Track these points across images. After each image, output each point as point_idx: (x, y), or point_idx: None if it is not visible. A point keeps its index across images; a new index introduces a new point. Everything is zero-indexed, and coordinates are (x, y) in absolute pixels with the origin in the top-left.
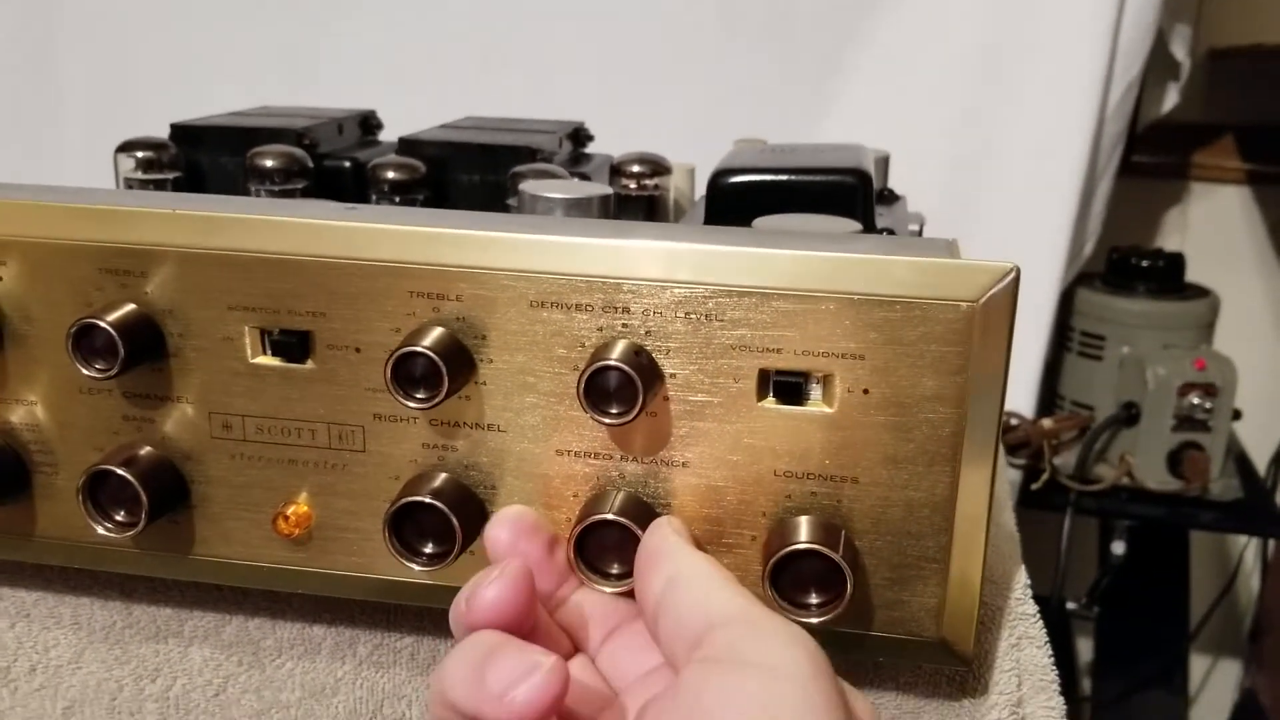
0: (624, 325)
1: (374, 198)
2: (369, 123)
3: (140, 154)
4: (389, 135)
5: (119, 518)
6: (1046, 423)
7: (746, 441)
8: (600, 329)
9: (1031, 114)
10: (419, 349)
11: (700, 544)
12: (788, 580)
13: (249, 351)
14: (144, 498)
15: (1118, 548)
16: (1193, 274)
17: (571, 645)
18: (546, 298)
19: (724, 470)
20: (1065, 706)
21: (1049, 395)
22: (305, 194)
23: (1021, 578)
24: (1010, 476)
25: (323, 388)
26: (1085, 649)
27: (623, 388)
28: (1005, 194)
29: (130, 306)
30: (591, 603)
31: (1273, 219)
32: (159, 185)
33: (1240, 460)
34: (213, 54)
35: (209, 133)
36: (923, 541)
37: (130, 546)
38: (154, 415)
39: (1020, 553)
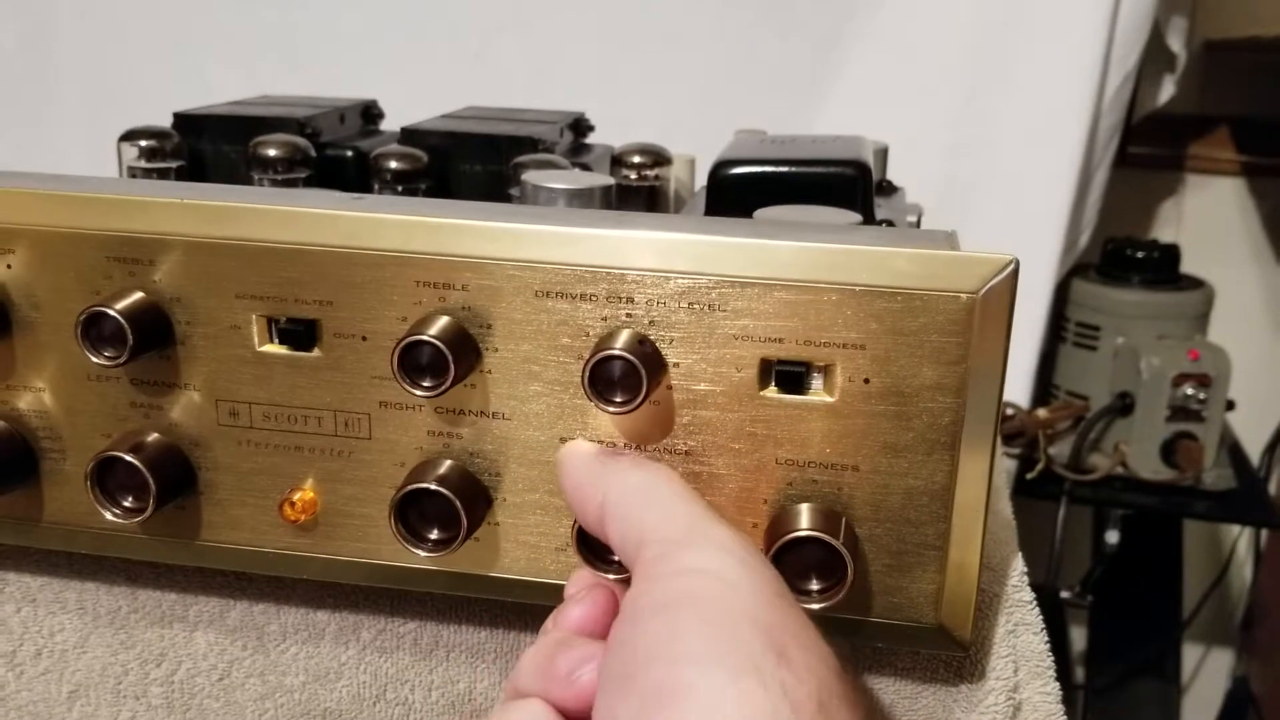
0: (628, 315)
1: (376, 187)
2: (370, 112)
3: (144, 143)
4: (390, 124)
5: (126, 504)
6: (1042, 412)
7: (748, 430)
8: (604, 319)
9: (1028, 105)
10: (425, 337)
11: None
12: (789, 566)
13: (256, 340)
14: (151, 484)
15: (1111, 537)
16: (1187, 265)
17: None
18: (551, 287)
19: (726, 458)
20: (1061, 692)
21: (1044, 385)
22: (308, 183)
23: (1018, 565)
24: (1005, 466)
25: (329, 375)
26: (1079, 637)
27: (627, 377)
28: (1001, 185)
29: (138, 295)
30: None
31: (1267, 210)
32: (162, 174)
33: (1234, 450)
34: (212, 42)
35: (211, 122)
36: (922, 529)
37: (137, 532)
38: (161, 402)
39: (1017, 540)
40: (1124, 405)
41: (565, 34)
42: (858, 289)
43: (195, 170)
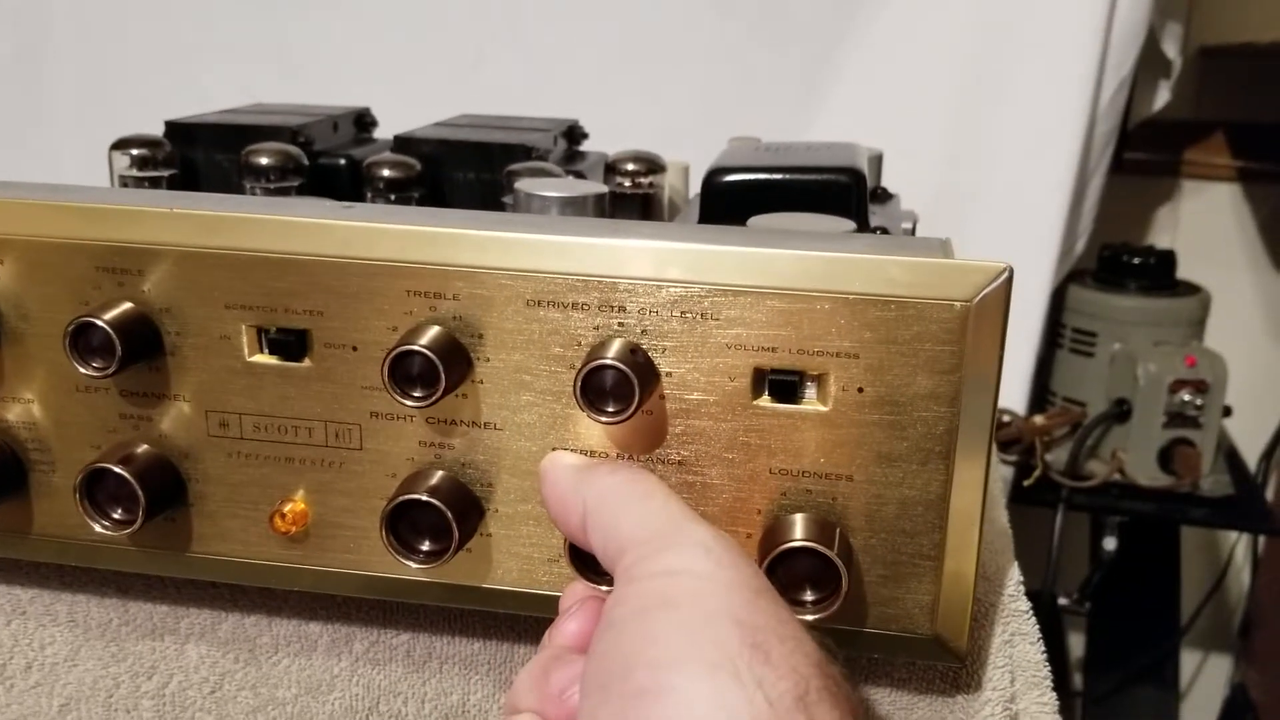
0: (620, 324)
1: (369, 195)
2: (363, 120)
3: (135, 151)
4: (383, 132)
5: (116, 515)
6: (1038, 419)
7: (742, 440)
8: (597, 328)
9: (1024, 111)
10: (416, 347)
11: None
12: (783, 577)
13: (246, 350)
14: (141, 496)
15: (1109, 544)
16: (1184, 271)
17: None
18: (543, 297)
19: (719, 468)
20: (1058, 702)
21: (1041, 392)
22: (300, 192)
23: (1014, 574)
24: (1002, 473)
25: (320, 386)
26: (1077, 644)
27: (619, 386)
28: (998, 192)
29: (127, 305)
30: None
31: (1263, 216)
32: (154, 183)
33: (1231, 456)
34: (208, 53)
35: (204, 130)
36: (917, 539)
37: (127, 544)
38: (151, 413)
39: (1013, 549)
40: (1121, 412)
41: (561, 45)
42: (851, 298)
43: (187, 179)
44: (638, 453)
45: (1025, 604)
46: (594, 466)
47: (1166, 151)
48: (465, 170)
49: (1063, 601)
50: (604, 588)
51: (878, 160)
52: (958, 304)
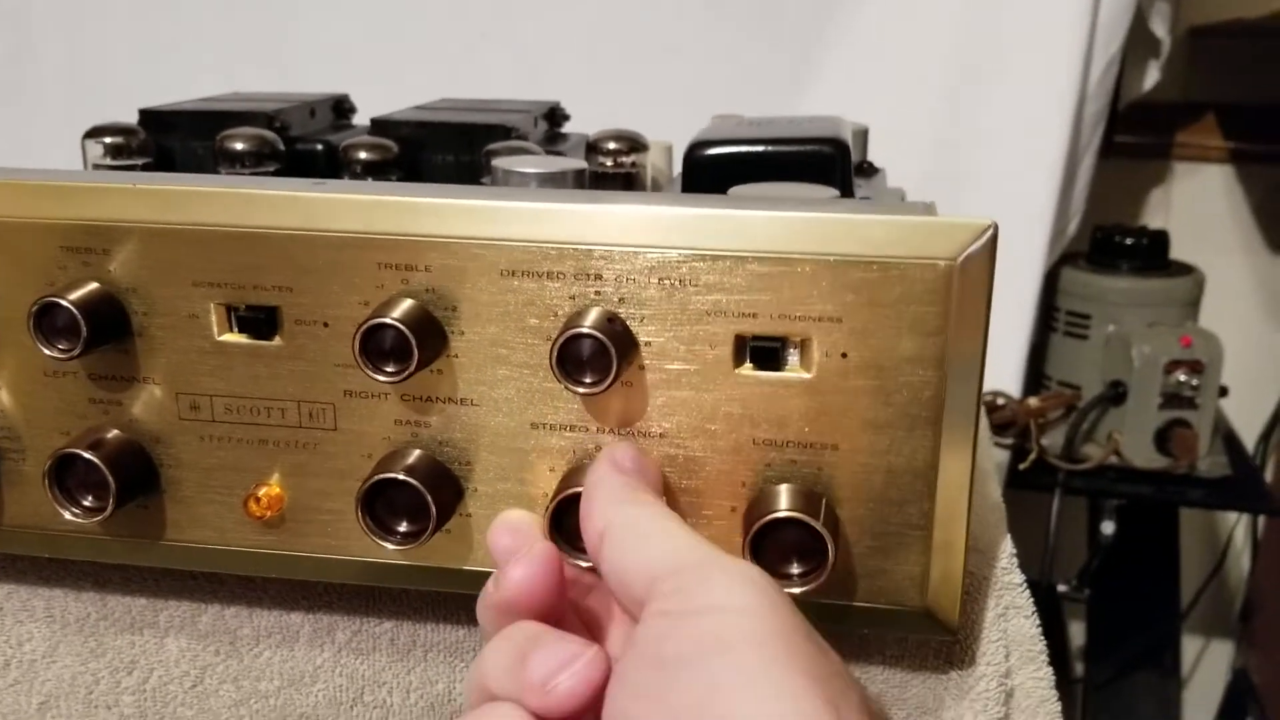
0: (597, 293)
1: (346, 179)
2: (342, 106)
3: (109, 139)
4: (364, 120)
5: (86, 503)
6: (1032, 401)
7: (724, 410)
8: (573, 297)
9: (1011, 93)
10: (387, 320)
11: (668, 482)
12: (769, 550)
13: (215, 329)
14: (111, 482)
15: (1107, 527)
16: (1177, 254)
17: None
18: (517, 266)
19: (702, 440)
20: (1054, 677)
21: (1035, 376)
22: (276, 176)
23: (1007, 547)
24: (998, 456)
25: (292, 365)
26: (1077, 632)
27: (596, 356)
28: (987, 174)
29: (93, 285)
30: (607, 599)
31: (1257, 197)
32: (128, 171)
33: (1228, 438)
34: (189, 45)
35: (178, 117)
36: (905, 508)
37: (100, 533)
38: (121, 397)
39: (1006, 522)
40: (1116, 394)
41: (548, 39)
42: (832, 259)
43: (162, 167)
44: (619, 426)
45: (1019, 577)
46: (634, 489)
47: (1158, 134)
48: (444, 152)
49: (1062, 588)
50: (581, 563)
51: (863, 135)
52: (941, 263)
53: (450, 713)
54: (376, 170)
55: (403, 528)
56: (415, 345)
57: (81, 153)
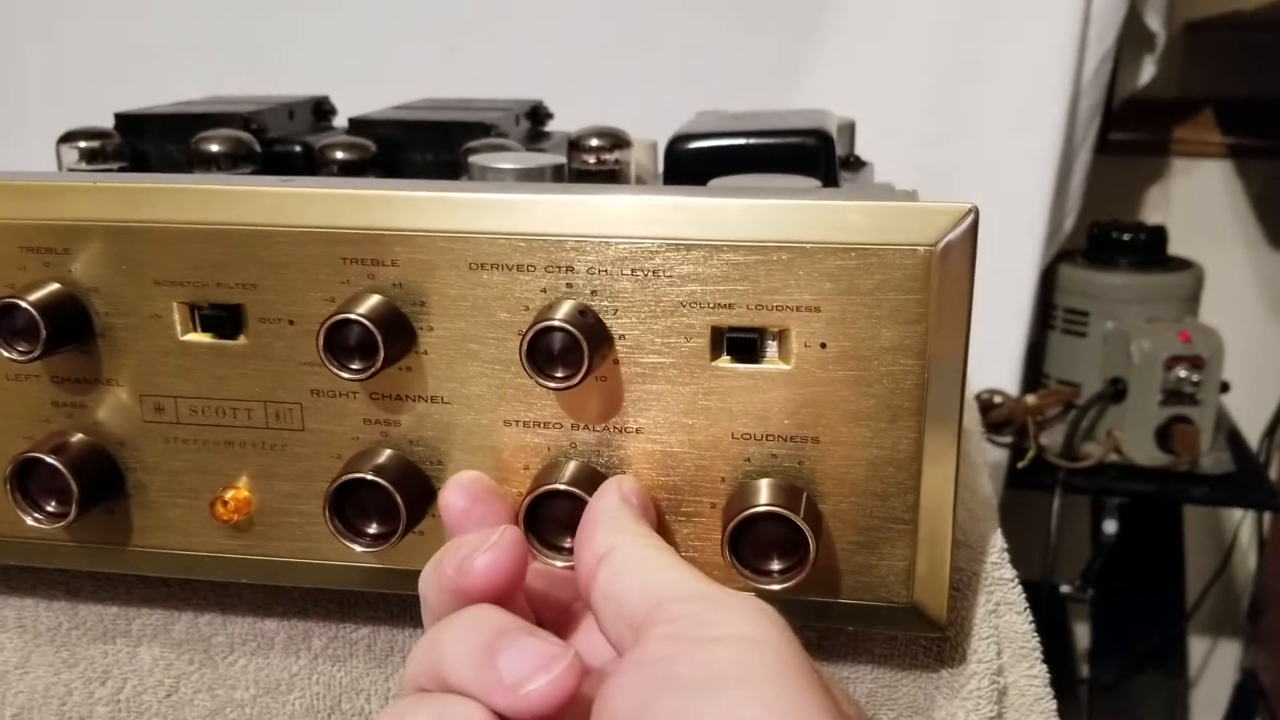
0: (568, 285)
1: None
2: (322, 108)
3: (83, 144)
4: (345, 122)
5: (50, 508)
6: (1030, 399)
7: (702, 403)
8: (544, 290)
9: (1005, 88)
10: (352, 316)
11: (660, 512)
12: (748, 546)
13: (179, 328)
14: (74, 487)
15: (1109, 526)
16: (1176, 249)
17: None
18: (486, 259)
19: (680, 435)
20: (1049, 675)
21: (1034, 375)
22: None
23: (998, 542)
24: (996, 456)
25: (257, 364)
26: (1081, 633)
27: (568, 350)
28: (982, 170)
29: (54, 286)
30: (548, 578)
31: (1255, 192)
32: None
33: (1231, 434)
34: (172, 51)
35: (154, 121)
36: (889, 501)
37: (66, 540)
38: (84, 400)
39: (997, 517)
40: (1116, 391)
41: (532, 36)
42: (809, 247)
43: (137, 171)
44: (594, 422)
45: (1010, 572)
46: (639, 509)
47: (1155, 130)
48: (423, 151)
49: (1065, 589)
50: (558, 563)
51: (849, 128)
52: (921, 249)
53: None
54: (354, 170)
55: (372, 529)
56: (381, 341)
57: (56, 157)
